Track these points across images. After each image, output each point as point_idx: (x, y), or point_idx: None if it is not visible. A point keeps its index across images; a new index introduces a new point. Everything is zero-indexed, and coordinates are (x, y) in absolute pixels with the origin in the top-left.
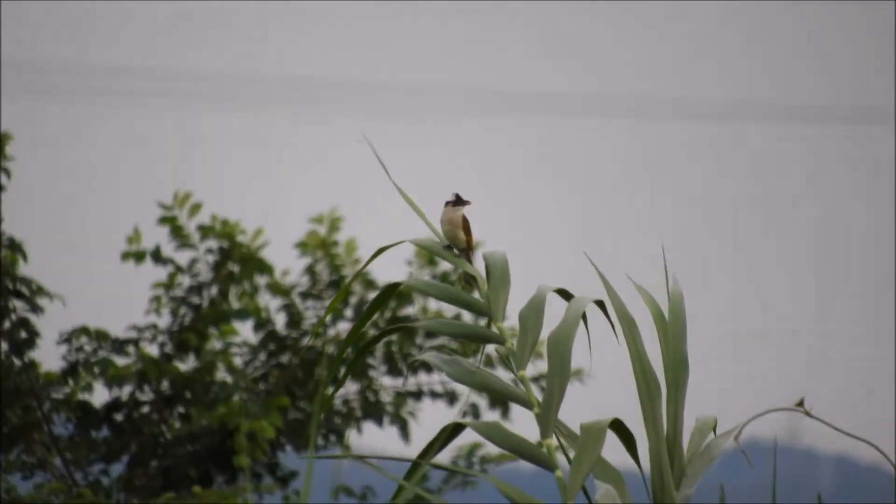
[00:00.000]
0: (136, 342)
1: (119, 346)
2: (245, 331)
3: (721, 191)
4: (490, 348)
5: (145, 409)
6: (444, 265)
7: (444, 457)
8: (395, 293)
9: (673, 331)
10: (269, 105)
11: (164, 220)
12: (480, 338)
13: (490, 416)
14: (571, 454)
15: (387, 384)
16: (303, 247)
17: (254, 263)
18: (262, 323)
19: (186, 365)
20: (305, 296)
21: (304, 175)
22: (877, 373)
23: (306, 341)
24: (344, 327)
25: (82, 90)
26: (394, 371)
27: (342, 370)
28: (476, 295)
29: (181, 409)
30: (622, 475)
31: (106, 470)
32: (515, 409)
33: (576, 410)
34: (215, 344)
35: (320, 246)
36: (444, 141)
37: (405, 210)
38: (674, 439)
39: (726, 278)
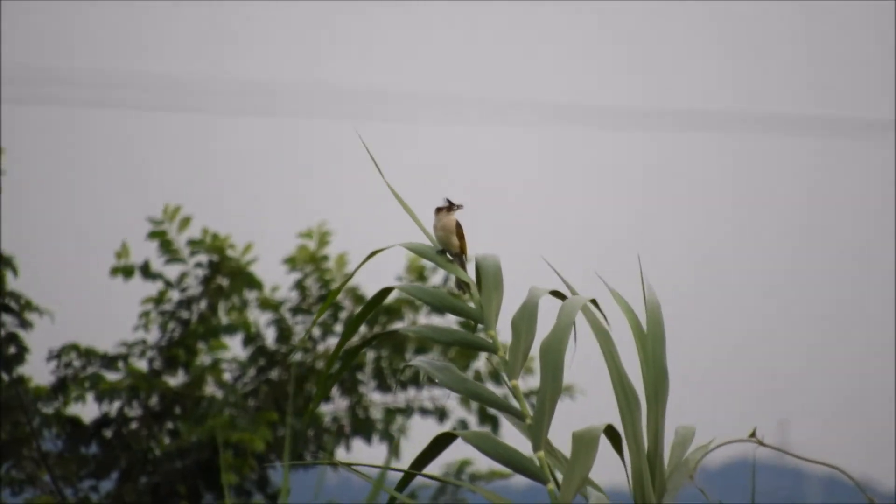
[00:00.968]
0: (125, 358)
1: (108, 361)
2: (234, 347)
3: (718, 200)
4: (481, 363)
5: (134, 425)
6: (435, 280)
7: (433, 473)
8: (384, 302)
9: (652, 341)
10: (262, 113)
11: (153, 235)
12: (472, 345)
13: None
14: (559, 474)
15: (376, 400)
16: (291, 262)
17: (243, 278)
18: (252, 338)
19: (176, 380)
20: (295, 311)
21: (296, 186)
22: (873, 382)
23: (296, 354)
24: (334, 342)
25: (70, 100)
26: (383, 387)
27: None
28: (470, 303)
29: (170, 425)
30: (606, 493)
31: (95, 486)
32: (505, 426)
33: (556, 424)
34: (204, 359)
35: (309, 260)
36: (434, 147)
37: (398, 222)
38: (654, 451)
39: (712, 287)
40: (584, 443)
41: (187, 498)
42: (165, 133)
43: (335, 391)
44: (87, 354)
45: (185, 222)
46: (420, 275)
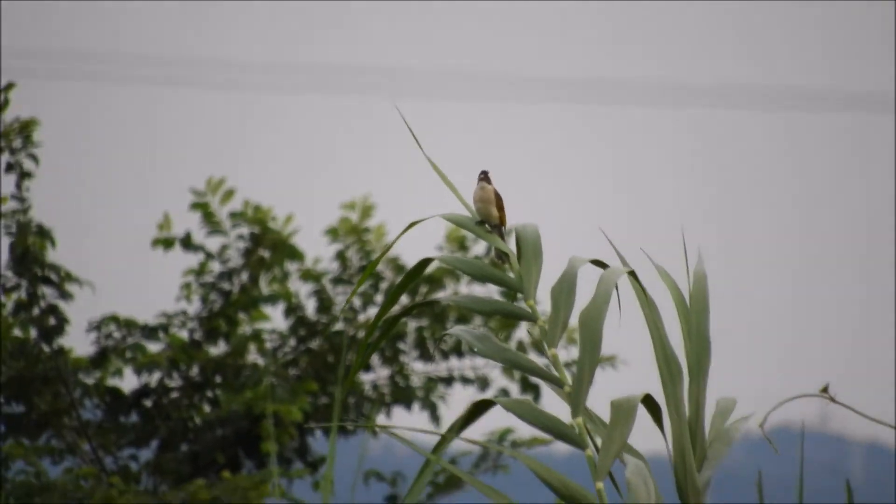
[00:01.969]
0: (165, 328)
1: (149, 332)
2: (275, 318)
3: (750, 175)
4: (523, 332)
5: (174, 395)
6: (476, 250)
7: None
8: (425, 271)
9: (696, 312)
10: (301, 90)
11: (195, 206)
12: (511, 315)
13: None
14: (598, 440)
15: (418, 369)
16: (333, 234)
17: (285, 249)
18: (293, 308)
19: (217, 349)
20: (336, 281)
21: (338, 159)
22: None
23: (337, 323)
24: (374, 313)
25: (113, 77)
26: (425, 356)
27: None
28: (510, 274)
29: (210, 394)
30: (646, 459)
31: (135, 455)
32: (547, 395)
33: (598, 394)
34: (246, 329)
35: (351, 232)
36: (473, 123)
37: (438, 194)
38: (696, 422)
39: (756, 258)
40: (623, 411)
41: (227, 466)
42: (215, 110)
43: (376, 360)
44: (127, 325)
45: (229, 195)
46: (461, 245)
